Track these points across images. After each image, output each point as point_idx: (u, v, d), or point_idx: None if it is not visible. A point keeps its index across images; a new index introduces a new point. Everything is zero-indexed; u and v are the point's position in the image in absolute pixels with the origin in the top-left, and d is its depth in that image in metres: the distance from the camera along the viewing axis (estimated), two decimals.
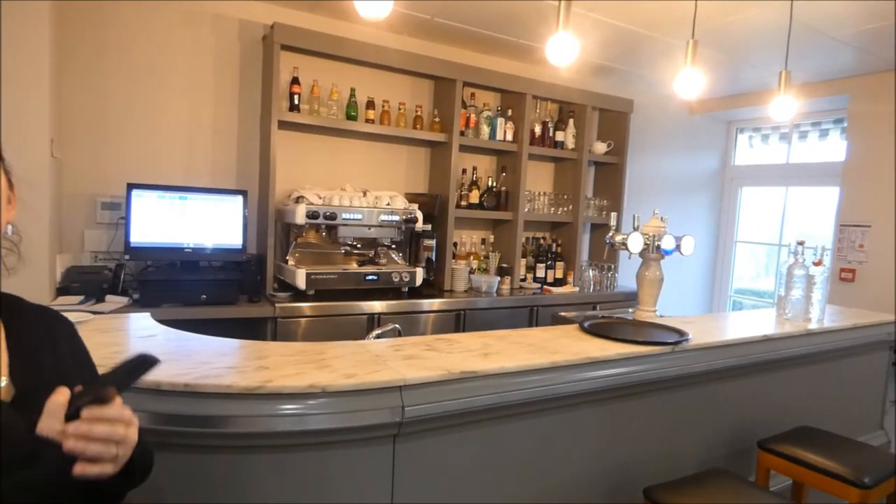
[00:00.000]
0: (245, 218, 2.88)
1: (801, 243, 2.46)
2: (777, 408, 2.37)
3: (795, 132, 4.88)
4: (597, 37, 3.40)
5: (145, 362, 0.76)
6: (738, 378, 2.17)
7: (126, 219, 2.62)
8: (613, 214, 2.49)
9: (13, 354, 0.81)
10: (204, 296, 2.67)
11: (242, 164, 3.20)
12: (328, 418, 1.29)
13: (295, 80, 3.12)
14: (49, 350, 0.86)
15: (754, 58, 3.71)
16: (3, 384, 0.76)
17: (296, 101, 3.11)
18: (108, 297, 2.50)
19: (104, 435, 0.69)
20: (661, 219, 2.39)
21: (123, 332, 1.67)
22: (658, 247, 2.31)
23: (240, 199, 2.88)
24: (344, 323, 2.92)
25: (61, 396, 0.69)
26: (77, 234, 2.79)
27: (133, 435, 0.74)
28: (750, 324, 2.44)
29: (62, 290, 2.49)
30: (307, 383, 1.27)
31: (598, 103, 4.11)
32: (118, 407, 0.72)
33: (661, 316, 2.40)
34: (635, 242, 2.29)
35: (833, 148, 4.59)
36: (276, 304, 2.77)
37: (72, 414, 0.68)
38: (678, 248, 2.34)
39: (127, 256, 2.63)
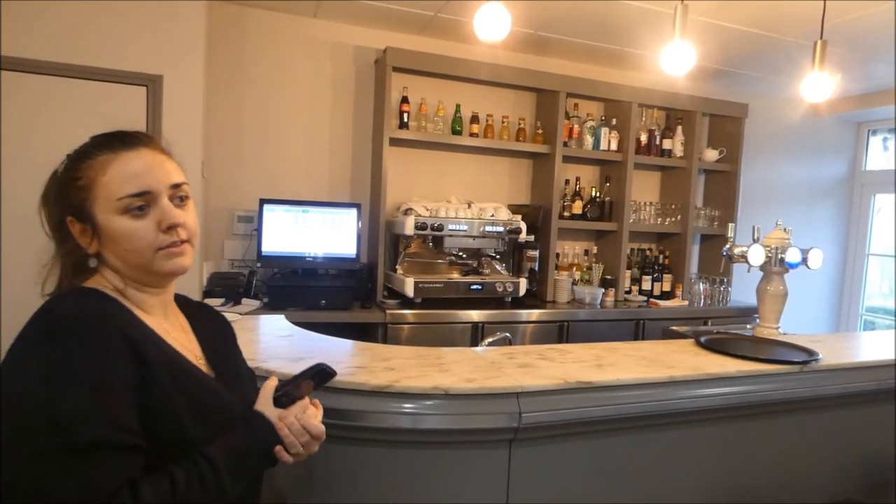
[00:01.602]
0: (359, 229, 3.08)
1: None
2: None
3: None
4: (709, 41, 3.27)
5: (324, 373, 0.95)
6: (876, 404, 1.98)
7: (258, 230, 2.91)
8: (731, 226, 2.38)
9: (201, 343, 0.98)
10: (323, 301, 2.89)
11: (356, 179, 3.44)
12: (447, 419, 1.37)
13: (404, 99, 3.30)
14: (224, 340, 1.04)
15: (889, 52, 3.37)
16: (202, 365, 0.94)
17: (405, 119, 3.29)
18: (244, 300, 2.80)
19: (297, 431, 0.91)
20: (785, 230, 2.26)
21: (266, 332, 1.87)
22: (782, 259, 2.18)
23: (354, 211, 3.10)
24: (447, 330, 3.03)
25: (272, 383, 0.93)
26: (218, 243, 3.15)
27: (314, 447, 0.93)
28: (889, 345, 2.22)
29: (207, 293, 2.83)
30: (432, 385, 1.36)
31: (709, 109, 3.93)
32: (316, 419, 0.95)
33: (784, 333, 2.26)
34: (756, 255, 2.18)
35: None
36: (387, 311, 2.94)
37: (276, 399, 0.92)
38: (805, 261, 2.19)
39: (259, 264, 2.92)
